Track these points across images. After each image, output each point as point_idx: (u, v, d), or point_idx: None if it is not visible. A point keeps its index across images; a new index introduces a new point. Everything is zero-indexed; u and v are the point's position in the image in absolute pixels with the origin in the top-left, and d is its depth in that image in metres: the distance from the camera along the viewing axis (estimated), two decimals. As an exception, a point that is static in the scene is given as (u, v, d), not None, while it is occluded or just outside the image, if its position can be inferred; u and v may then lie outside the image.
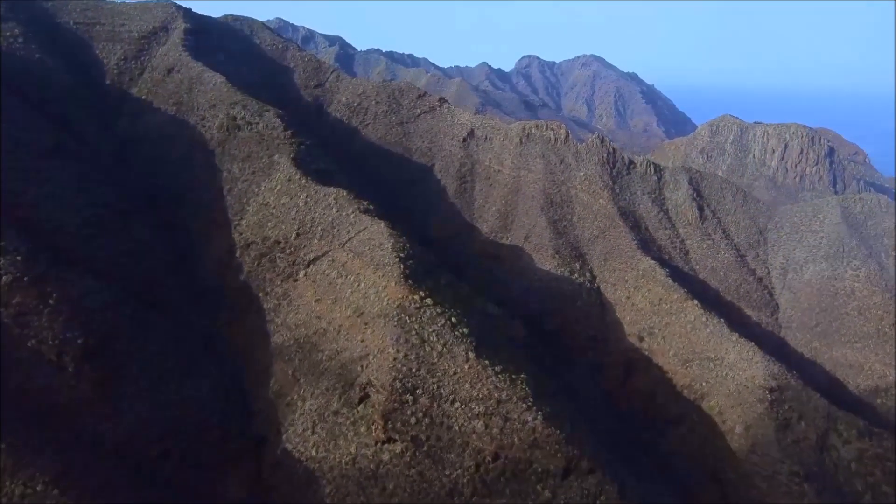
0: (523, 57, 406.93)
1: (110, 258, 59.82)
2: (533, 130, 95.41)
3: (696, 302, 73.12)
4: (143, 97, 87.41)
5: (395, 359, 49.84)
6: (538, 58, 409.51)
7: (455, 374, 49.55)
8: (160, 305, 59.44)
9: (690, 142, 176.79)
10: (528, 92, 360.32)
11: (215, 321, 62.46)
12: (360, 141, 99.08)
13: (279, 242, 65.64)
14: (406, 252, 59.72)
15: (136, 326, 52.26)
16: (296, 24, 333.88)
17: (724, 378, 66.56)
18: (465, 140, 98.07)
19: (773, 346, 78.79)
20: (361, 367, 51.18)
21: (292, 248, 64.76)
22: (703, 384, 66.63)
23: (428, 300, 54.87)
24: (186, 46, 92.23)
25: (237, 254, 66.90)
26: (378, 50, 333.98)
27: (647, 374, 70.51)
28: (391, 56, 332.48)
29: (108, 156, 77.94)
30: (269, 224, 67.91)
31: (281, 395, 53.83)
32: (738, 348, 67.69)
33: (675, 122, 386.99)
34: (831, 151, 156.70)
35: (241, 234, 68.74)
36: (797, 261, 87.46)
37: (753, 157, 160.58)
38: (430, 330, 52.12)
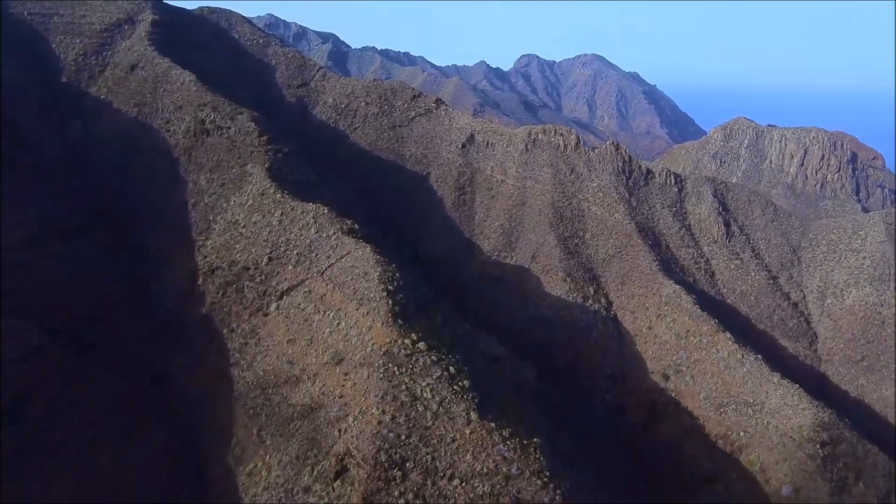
0: (522, 56, 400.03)
1: (44, 289, 50.65)
2: (540, 136, 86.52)
3: (728, 335, 64.35)
4: (103, 97, 78.45)
5: (379, 422, 40.77)
6: (537, 57, 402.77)
7: (454, 441, 40.51)
8: (102, 346, 50.45)
9: (702, 146, 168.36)
10: (528, 92, 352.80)
11: (170, 362, 53.31)
12: (348, 146, 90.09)
13: (248, 269, 56.58)
14: (395, 283, 50.71)
15: (65, 378, 43.10)
16: (287, 20, 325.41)
17: (766, 427, 57.76)
18: (464, 146, 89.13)
19: (812, 382, 70.05)
20: (339, 430, 42.15)
21: (263, 276, 55.69)
22: (741, 434, 57.81)
23: (421, 344, 45.89)
24: (153, 40, 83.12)
25: (199, 281, 57.86)
26: (373, 48, 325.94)
27: (675, 419, 61.64)
28: (386, 54, 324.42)
29: (57, 164, 68.80)
30: (238, 246, 58.84)
31: (242, 461, 44.70)
32: (781, 391, 58.93)
33: (677, 123, 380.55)
34: (854, 157, 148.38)
35: (206, 257, 59.68)
36: (836, 284, 78.74)
37: (770, 162, 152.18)
38: (424, 384, 43.09)
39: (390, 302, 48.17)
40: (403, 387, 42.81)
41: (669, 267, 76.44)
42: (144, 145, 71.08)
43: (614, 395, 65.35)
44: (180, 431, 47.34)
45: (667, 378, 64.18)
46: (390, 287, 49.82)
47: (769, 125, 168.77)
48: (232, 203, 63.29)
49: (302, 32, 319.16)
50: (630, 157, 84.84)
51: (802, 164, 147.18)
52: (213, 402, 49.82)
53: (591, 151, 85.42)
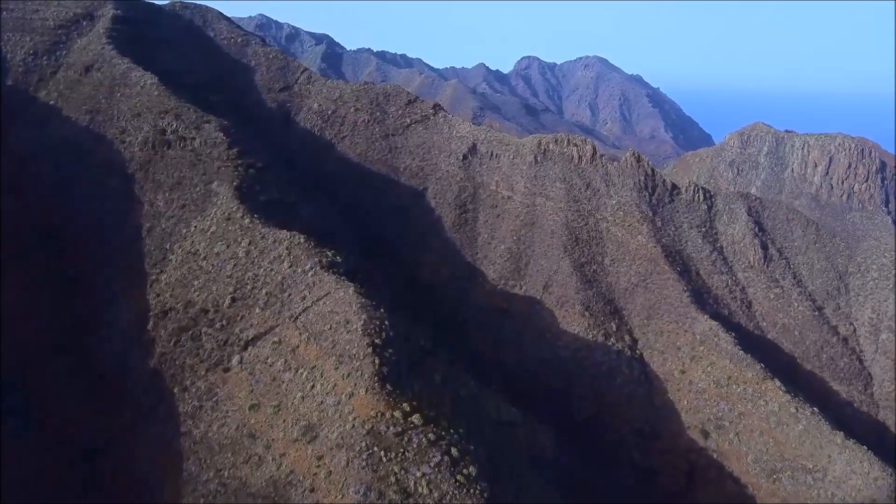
0: (522, 58, 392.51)
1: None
2: (551, 146, 77.49)
3: (777, 383, 55.37)
4: (53, 102, 69.20)
5: (360, 531, 31.46)
6: (538, 59, 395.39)
7: (458, 557, 31.20)
8: (23, 408, 41.10)
9: (717, 153, 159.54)
10: (528, 95, 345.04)
11: (107, 430, 43.92)
12: (335, 158, 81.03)
13: (207, 311, 47.40)
14: (384, 334, 41.56)
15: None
16: (280, 21, 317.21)
17: (830, 499, 48.54)
18: (465, 157, 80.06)
19: (871, 435, 60.79)
20: (308, 539, 32.73)
21: (224, 321, 46.51)
22: (801, 508, 48.52)
23: (415, 417, 36.79)
24: (113, 38, 74.07)
25: (149, 325, 48.68)
26: (369, 49, 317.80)
27: (718, 486, 52.53)
28: (382, 56, 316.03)
29: (-8, 180, 59.40)
30: (197, 283, 49.62)
31: (186, 571, 35.24)
32: (847, 455, 49.93)
33: (682, 127, 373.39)
34: (883, 166, 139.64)
35: (158, 294, 50.43)
36: (891, 315, 69.62)
37: (792, 171, 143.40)
38: (419, 474, 34.07)
39: (377, 361, 39.00)
40: (392, 478, 33.72)
41: (702, 297, 67.33)
42: (95, 159, 62.06)
43: (644, 454, 56.07)
44: (111, 527, 37.95)
45: (707, 435, 54.96)
46: (377, 340, 40.63)
47: (787, 130, 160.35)
48: (192, 229, 54.07)
49: (295, 33, 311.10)
50: (653, 170, 75.88)
51: (827, 173, 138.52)
52: (154, 484, 40.37)
53: (610, 164, 76.28)
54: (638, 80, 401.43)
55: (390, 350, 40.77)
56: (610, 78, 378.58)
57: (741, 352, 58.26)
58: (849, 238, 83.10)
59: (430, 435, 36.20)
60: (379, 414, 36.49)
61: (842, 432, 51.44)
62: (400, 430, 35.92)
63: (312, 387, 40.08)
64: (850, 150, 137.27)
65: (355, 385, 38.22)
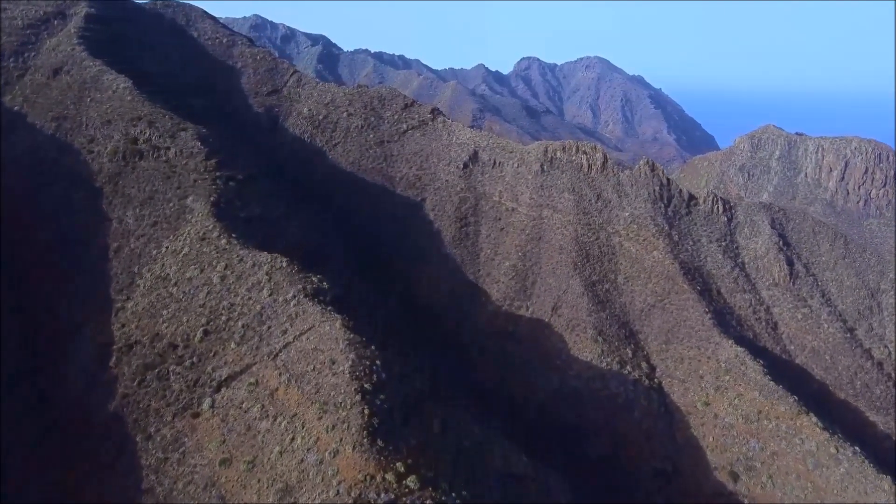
0: (522, 58, 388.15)
1: None
2: (558, 153, 72.34)
3: (814, 418, 50.28)
4: (18, 108, 63.96)
5: None
6: (538, 59, 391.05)
7: None
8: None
9: (727, 157, 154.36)
10: (528, 96, 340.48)
11: (62, 483, 38.59)
12: (326, 166, 75.87)
13: (176, 346, 42.21)
14: (375, 376, 36.48)
15: None
16: (276, 21, 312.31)
17: (878, 555, 43.18)
18: (466, 165, 74.90)
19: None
20: None
21: (195, 358, 41.29)
22: (846, 565, 43.34)
23: (411, 480, 31.80)
24: (85, 38, 68.94)
25: (112, 360, 43.12)
26: (366, 50, 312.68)
27: (750, 537, 47.05)
28: (380, 57, 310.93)
29: (-54, 195, 54.24)
30: (166, 312, 44.39)
31: None
32: (896, 504, 44.29)
33: (685, 128, 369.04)
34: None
35: (123, 325, 45.19)
36: (929, 338, 64.46)
37: (806, 176, 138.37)
38: (415, 553, 28.46)
39: (366, 410, 33.84)
40: (384, 560, 28.30)
41: (724, 319, 62.09)
42: (60, 170, 56.65)
43: (666, 497, 50.72)
44: None
45: (736, 477, 49.75)
46: (367, 385, 35.50)
47: (798, 133, 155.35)
48: (164, 250, 48.91)
49: (290, 34, 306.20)
50: (668, 179, 70.68)
51: (843, 179, 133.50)
52: (111, 553, 35.13)
53: (622, 173, 71.08)
54: (639, 81, 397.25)
55: (382, 396, 35.59)
56: (611, 79, 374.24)
57: (772, 382, 53.09)
58: (879, 251, 77.91)
59: (427, 502, 31.03)
60: (368, 477, 31.32)
61: (889, 476, 46.22)
62: (393, 496, 30.75)
63: (292, 440, 34.88)
64: (866, 154, 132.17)
65: (341, 440, 33.03)
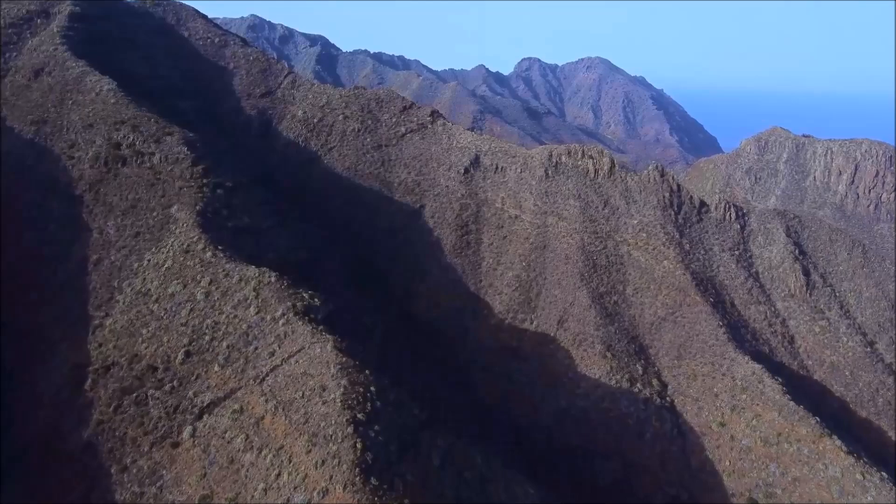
0: (523, 59, 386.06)
1: None
2: (563, 158, 69.55)
3: (837, 441, 47.45)
4: (-4, 111, 60.85)
5: None
6: (539, 60, 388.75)
7: None
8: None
9: (733, 160, 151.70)
10: (529, 97, 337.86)
11: (29, 520, 35.76)
12: (321, 172, 73.17)
13: (156, 369, 39.40)
14: (370, 405, 33.61)
15: None
16: (273, 21, 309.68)
17: (911, 592, 40.26)
18: (467, 171, 72.12)
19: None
20: None
21: (176, 381, 38.51)
22: None
23: (408, 522, 28.37)
24: (68, 38, 66.26)
25: (86, 384, 40.29)
26: (365, 51, 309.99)
27: (772, 570, 44.17)
28: (379, 58, 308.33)
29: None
30: (146, 331, 41.59)
31: None
32: (928, 536, 41.37)
33: (687, 130, 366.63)
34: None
35: (101, 345, 42.42)
36: (954, 352, 61.59)
37: (814, 179, 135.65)
38: None
39: (359, 444, 31.05)
40: None
41: (738, 332, 59.23)
42: (37, 177, 53.78)
43: (681, 526, 47.83)
44: None
45: (755, 505, 46.71)
46: (360, 415, 32.70)
47: (806, 135, 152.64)
48: (145, 263, 46.08)
49: (289, 34, 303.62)
50: (678, 185, 67.88)
51: (853, 182, 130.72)
52: None
53: (630, 178, 68.23)
54: (641, 82, 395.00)
55: (377, 427, 32.75)
56: (613, 79, 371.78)
57: (791, 402, 50.22)
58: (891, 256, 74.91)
59: (426, 548, 28.17)
60: (361, 518, 28.42)
61: (920, 506, 43.20)
62: (388, 542, 27.86)
63: (278, 475, 32.03)
64: (877, 156, 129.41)
65: (331, 479, 30.21)
